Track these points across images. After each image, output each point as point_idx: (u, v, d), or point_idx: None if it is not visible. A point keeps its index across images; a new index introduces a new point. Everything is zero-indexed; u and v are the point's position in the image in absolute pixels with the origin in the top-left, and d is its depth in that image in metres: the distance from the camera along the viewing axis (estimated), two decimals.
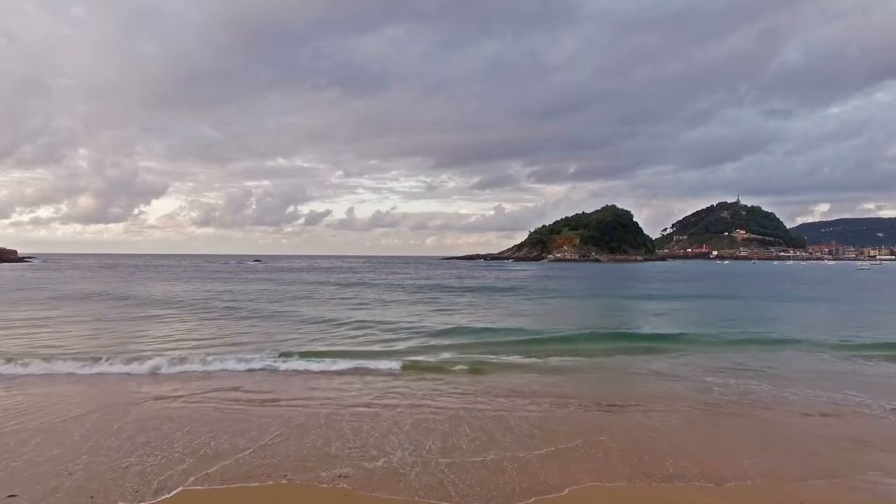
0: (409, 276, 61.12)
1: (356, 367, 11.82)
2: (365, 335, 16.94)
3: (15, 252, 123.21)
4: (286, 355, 12.79)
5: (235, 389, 10.04)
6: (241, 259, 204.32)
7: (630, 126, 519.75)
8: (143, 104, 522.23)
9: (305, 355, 12.88)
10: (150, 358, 12.45)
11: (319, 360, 12.35)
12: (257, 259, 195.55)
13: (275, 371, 11.70)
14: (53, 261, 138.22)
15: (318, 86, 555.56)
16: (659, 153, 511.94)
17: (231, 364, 12.08)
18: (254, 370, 11.70)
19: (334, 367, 11.80)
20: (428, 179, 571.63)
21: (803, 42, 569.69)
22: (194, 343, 15.55)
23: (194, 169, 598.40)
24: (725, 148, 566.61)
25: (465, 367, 11.63)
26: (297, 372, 11.58)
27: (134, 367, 11.76)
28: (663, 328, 16.86)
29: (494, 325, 17.49)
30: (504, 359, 12.48)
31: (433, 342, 15.15)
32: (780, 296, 32.61)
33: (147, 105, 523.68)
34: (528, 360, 12.21)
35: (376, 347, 14.72)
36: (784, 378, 11.12)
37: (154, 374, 11.45)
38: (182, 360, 12.34)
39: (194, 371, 11.63)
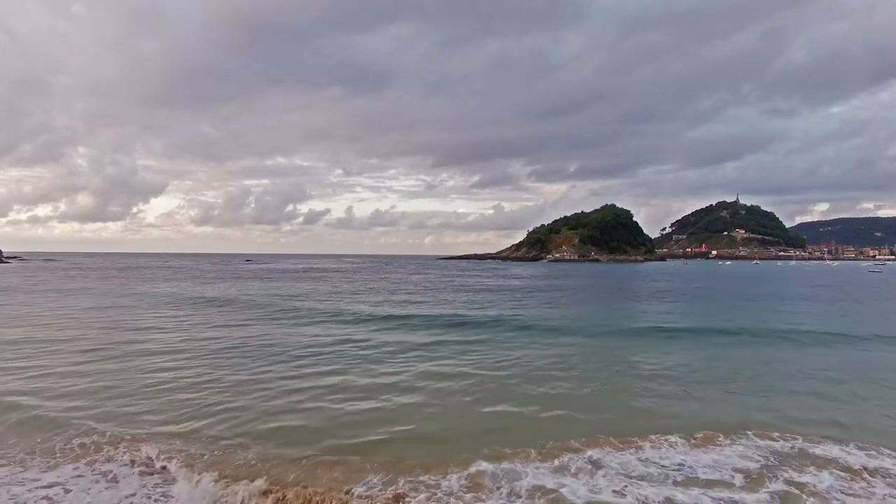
0: (395, 287, 56.36)
1: None
2: None
3: None
4: None
5: None
6: (235, 259, 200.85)
7: (632, 125, 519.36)
8: (143, 102, 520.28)
9: None
10: None
11: None
12: (249, 259, 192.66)
13: None
14: (41, 261, 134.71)
15: (319, 84, 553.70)
16: (660, 152, 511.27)
17: None
18: None
19: None
20: (427, 178, 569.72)
21: (807, 41, 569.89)
22: None
23: (193, 167, 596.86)
24: (727, 147, 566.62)
25: None
26: None
27: None
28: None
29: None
30: None
31: None
32: (848, 329, 22.13)
33: (147, 103, 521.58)
34: None
35: None
36: None
37: None
38: None
39: None
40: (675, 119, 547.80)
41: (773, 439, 9.28)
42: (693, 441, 9.12)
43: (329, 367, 14.54)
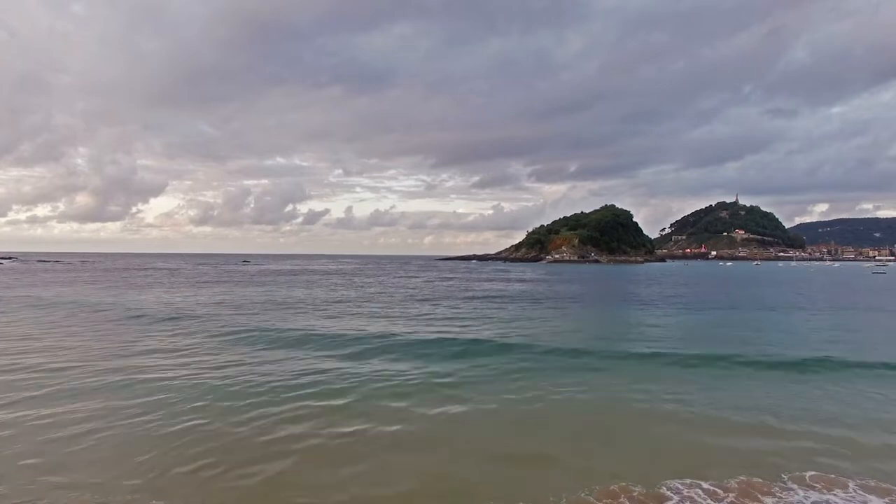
0: (394, 291, 54.77)
1: None
2: None
3: None
4: None
5: None
6: (233, 259, 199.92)
7: (633, 125, 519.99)
8: (143, 101, 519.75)
9: None
10: None
11: None
12: (246, 260, 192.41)
13: None
14: (36, 261, 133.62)
15: (320, 83, 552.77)
16: (661, 152, 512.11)
17: None
18: None
19: None
20: (427, 178, 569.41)
21: (810, 41, 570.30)
22: None
23: (192, 167, 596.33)
24: (728, 147, 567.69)
25: None
26: None
27: None
28: None
29: None
30: None
31: None
32: None
33: (147, 102, 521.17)
34: None
35: None
36: None
37: None
38: None
39: None
40: (677, 119, 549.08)
41: (814, 487, 8.44)
42: (730, 495, 8.22)
43: (303, 411, 12.08)
